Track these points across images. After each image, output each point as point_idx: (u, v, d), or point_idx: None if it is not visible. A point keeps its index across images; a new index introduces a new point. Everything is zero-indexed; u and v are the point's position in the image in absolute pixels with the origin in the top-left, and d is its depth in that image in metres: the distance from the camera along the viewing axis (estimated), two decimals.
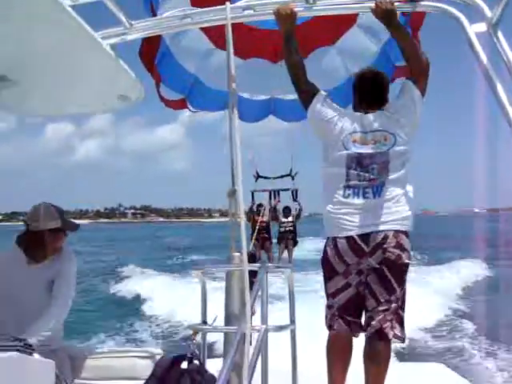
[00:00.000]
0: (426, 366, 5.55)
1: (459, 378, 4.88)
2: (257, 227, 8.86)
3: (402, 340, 3.32)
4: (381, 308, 3.27)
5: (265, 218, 9.70)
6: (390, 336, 3.26)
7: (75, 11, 2.62)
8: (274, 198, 9.73)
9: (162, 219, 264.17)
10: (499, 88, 2.52)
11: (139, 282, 19.16)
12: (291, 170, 9.42)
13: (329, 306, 3.46)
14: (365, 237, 3.25)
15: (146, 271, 22.75)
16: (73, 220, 3.85)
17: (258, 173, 9.14)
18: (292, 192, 9.55)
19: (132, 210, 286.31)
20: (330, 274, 3.43)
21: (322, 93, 3.53)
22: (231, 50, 2.93)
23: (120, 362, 3.61)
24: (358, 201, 3.29)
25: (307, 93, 3.48)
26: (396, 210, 3.27)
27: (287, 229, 9.84)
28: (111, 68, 3.11)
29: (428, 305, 12.33)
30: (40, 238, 3.41)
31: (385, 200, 3.27)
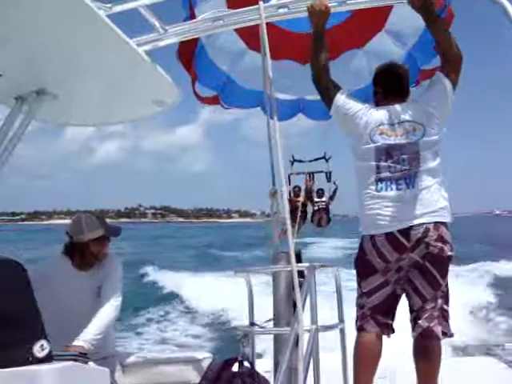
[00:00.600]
0: (477, 360, 5.43)
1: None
2: (299, 208, 9.30)
3: (450, 335, 3.24)
4: (427, 306, 3.17)
5: (301, 199, 10.13)
6: (439, 334, 3.17)
7: (110, 19, 2.65)
8: (310, 180, 10.06)
9: (181, 219, 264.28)
10: None
11: (180, 280, 19.55)
12: (325, 153, 9.69)
13: (360, 306, 3.32)
14: (405, 231, 3.14)
15: (187, 270, 23.18)
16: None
17: (293, 157, 9.46)
18: (326, 174, 9.87)
19: (152, 210, 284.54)
20: (366, 272, 3.29)
21: (344, 90, 3.48)
22: (267, 51, 2.90)
23: (171, 367, 3.63)
24: (392, 193, 3.19)
25: (330, 90, 3.44)
26: (432, 200, 3.17)
27: (320, 207, 10.29)
28: (148, 74, 3.13)
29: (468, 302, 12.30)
30: (86, 248, 3.45)
31: (419, 190, 3.16)
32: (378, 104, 3.47)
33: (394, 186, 3.19)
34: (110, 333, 3.46)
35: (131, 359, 3.69)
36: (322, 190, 10.72)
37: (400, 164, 3.18)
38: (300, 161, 9.74)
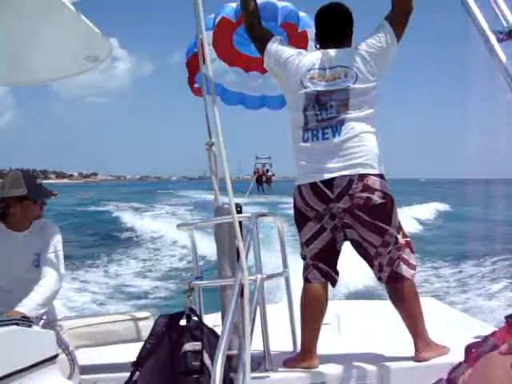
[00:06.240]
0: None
1: (452, 310, 4.95)
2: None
3: (414, 268, 3.22)
4: (383, 252, 3.14)
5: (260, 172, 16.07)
6: (405, 273, 3.16)
7: None
8: (263, 166, 15.48)
9: None
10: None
11: None
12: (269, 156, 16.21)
13: (303, 257, 3.33)
14: (328, 182, 3.08)
15: None
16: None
17: (257, 156, 16.48)
18: (270, 164, 17.05)
19: None
20: (301, 221, 3.28)
21: (277, 36, 3.45)
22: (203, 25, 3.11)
23: (117, 325, 3.60)
24: (318, 143, 3.13)
25: (262, 38, 3.41)
26: (360, 151, 3.08)
27: (267, 178, 14.21)
28: (75, 27, 2.97)
29: None
30: (8, 207, 3.29)
31: (346, 139, 3.08)
32: (317, 48, 3.41)
33: (320, 136, 3.13)
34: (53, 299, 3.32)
35: (76, 321, 3.64)
36: (268, 170, 20.30)
37: (327, 111, 3.11)
38: (259, 157, 18.90)
